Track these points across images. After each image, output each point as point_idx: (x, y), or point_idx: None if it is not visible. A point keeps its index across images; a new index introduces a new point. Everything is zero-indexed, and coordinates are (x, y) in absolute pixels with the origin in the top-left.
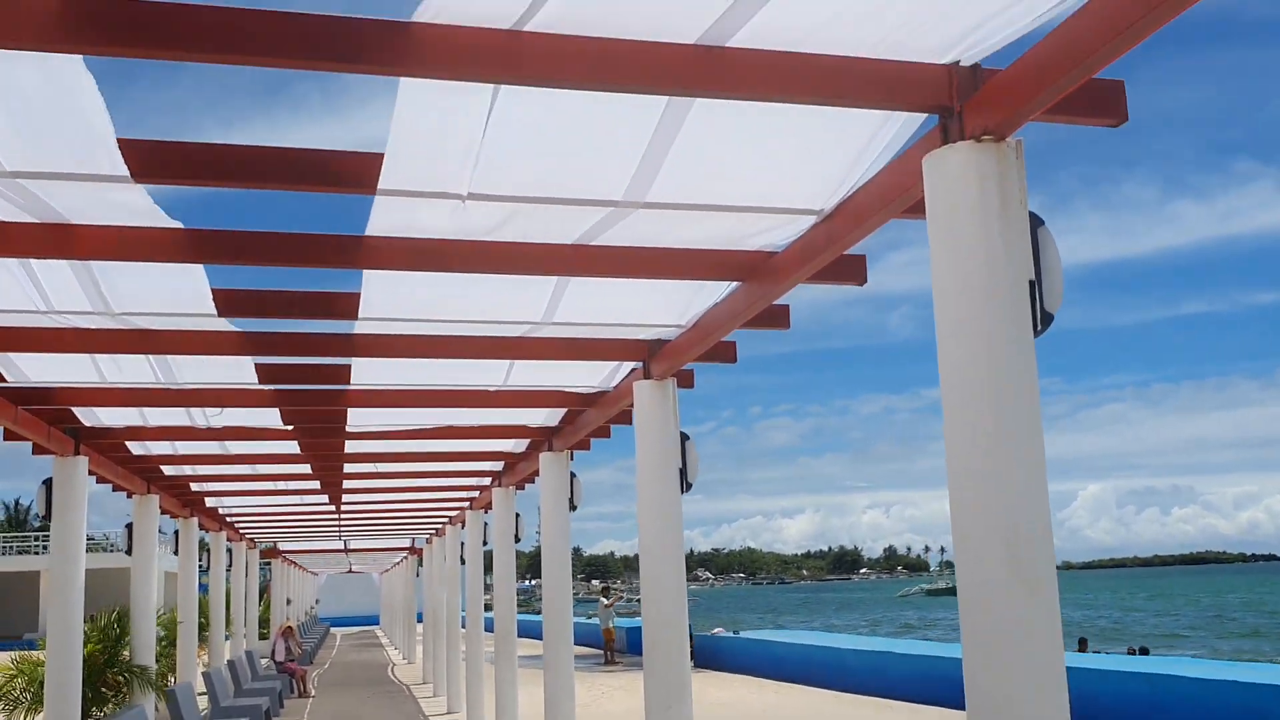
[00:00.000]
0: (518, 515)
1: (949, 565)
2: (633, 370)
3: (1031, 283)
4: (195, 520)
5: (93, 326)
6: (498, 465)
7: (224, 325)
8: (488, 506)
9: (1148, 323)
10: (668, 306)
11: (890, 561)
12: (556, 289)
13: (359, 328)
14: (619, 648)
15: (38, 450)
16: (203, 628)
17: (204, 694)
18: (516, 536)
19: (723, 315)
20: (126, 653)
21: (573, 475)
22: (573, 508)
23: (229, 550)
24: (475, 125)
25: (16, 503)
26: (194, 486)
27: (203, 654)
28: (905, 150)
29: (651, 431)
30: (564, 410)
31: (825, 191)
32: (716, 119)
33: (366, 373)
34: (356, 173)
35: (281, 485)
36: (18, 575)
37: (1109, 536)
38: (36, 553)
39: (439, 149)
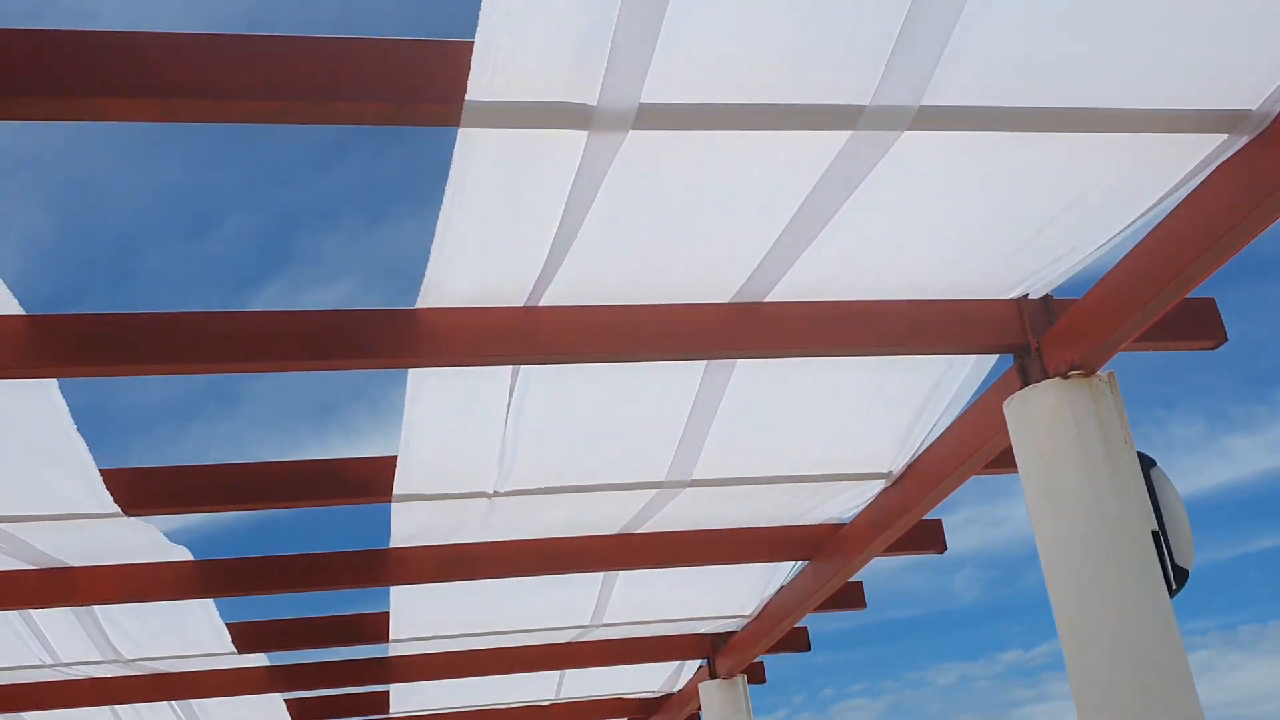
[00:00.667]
0: None
1: None
2: (698, 669)
3: (1155, 534)
4: None
5: (107, 675)
6: None
7: (247, 661)
8: None
9: (1220, 562)
10: (730, 594)
11: None
12: (604, 586)
13: (392, 650)
14: None
15: None
16: None
17: None
18: None
19: (791, 600)
20: None
21: None
22: None
23: None
24: (495, 413)
25: None
26: None
27: None
28: (980, 396)
29: None
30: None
31: (891, 452)
32: (762, 381)
33: (406, 699)
34: (370, 479)
35: None
36: None
37: None
38: None
39: (457, 444)
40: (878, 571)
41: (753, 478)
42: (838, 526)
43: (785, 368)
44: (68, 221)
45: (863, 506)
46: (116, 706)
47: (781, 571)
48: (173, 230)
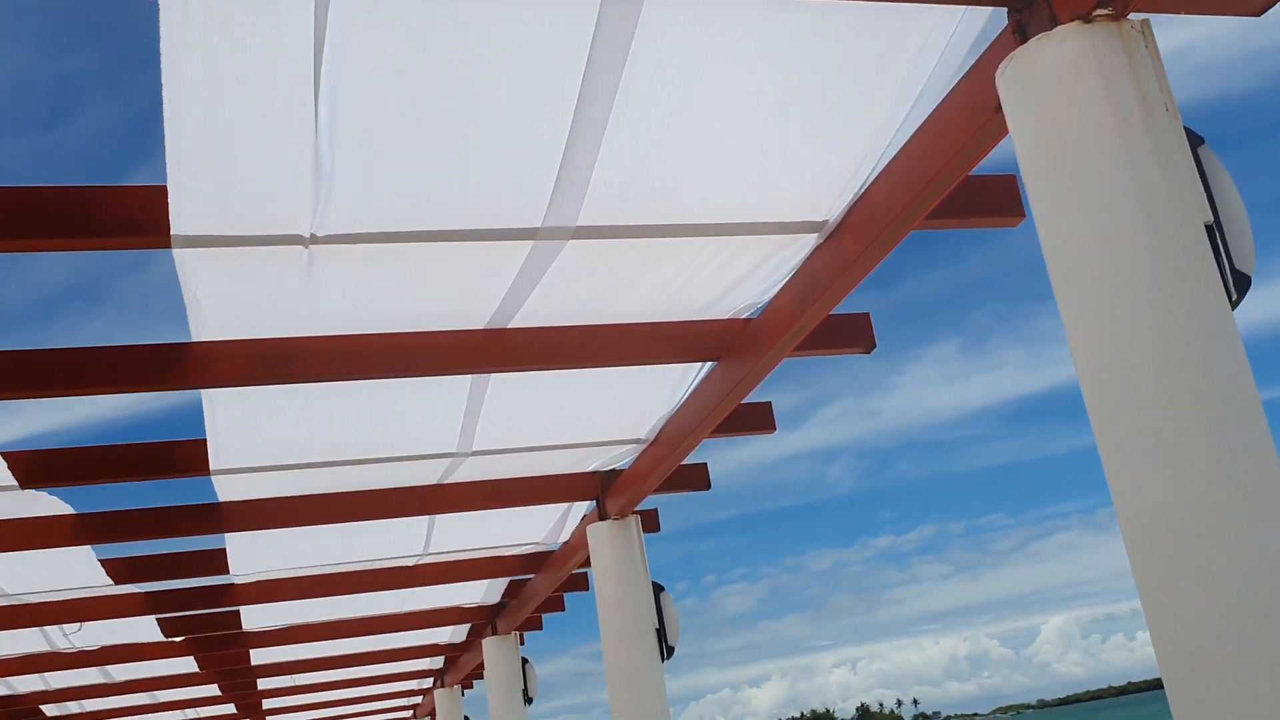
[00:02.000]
0: (466, 718)
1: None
2: (584, 516)
3: (1209, 226)
4: None
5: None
6: (437, 662)
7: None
8: (431, 714)
9: (1081, 449)
10: (621, 413)
11: (865, 719)
12: (471, 402)
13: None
14: None
15: None
16: None
17: None
18: None
19: (690, 418)
20: None
21: (525, 661)
22: (528, 700)
23: None
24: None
25: None
26: None
27: None
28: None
29: (614, 583)
30: (505, 581)
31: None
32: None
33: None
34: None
35: (193, 715)
36: None
37: (1079, 669)
38: None
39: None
40: (758, 464)
41: (657, 225)
42: (747, 322)
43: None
44: None
45: (785, 280)
46: None
47: (681, 381)
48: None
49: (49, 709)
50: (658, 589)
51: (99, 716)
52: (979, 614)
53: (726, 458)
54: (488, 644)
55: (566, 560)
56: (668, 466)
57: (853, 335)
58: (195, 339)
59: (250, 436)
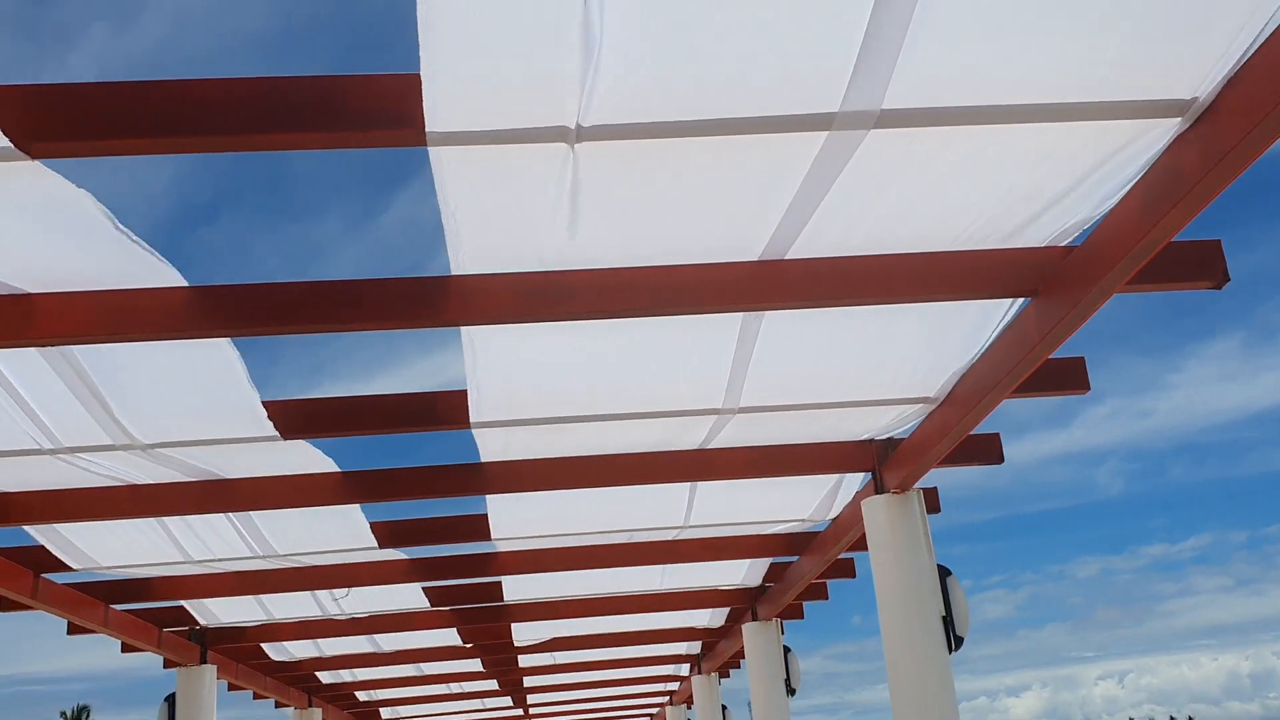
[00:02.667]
0: (724, 708)
1: None
2: (856, 493)
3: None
4: None
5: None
6: (694, 647)
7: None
8: (688, 701)
9: None
10: (909, 366)
11: None
12: (741, 344)
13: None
14: None
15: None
16: None
17: None
18: None
19: (987, 376)
20: None
21: (787, 650)
22: (791, 691)
23: None
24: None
25: None
26: (362, 695)
27: None
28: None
29: (894, 565)
30: (767, 563)
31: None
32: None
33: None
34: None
35: (457, 690)
36: None
37: None
38: None
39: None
40: (1018, 466)
41: (970, 108)
42: (1070, 249)
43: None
44: None
45: (1129, 184)
46: (264, 596)
47: (981, 325)
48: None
49: (323, 675)
50: (944, 572)
51: (367, 685)
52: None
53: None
54: (748, 630)
55: (835, 540)
56: (959, 432)
57: (1201, 265)
58: (454, 271)
59: (511, 385)
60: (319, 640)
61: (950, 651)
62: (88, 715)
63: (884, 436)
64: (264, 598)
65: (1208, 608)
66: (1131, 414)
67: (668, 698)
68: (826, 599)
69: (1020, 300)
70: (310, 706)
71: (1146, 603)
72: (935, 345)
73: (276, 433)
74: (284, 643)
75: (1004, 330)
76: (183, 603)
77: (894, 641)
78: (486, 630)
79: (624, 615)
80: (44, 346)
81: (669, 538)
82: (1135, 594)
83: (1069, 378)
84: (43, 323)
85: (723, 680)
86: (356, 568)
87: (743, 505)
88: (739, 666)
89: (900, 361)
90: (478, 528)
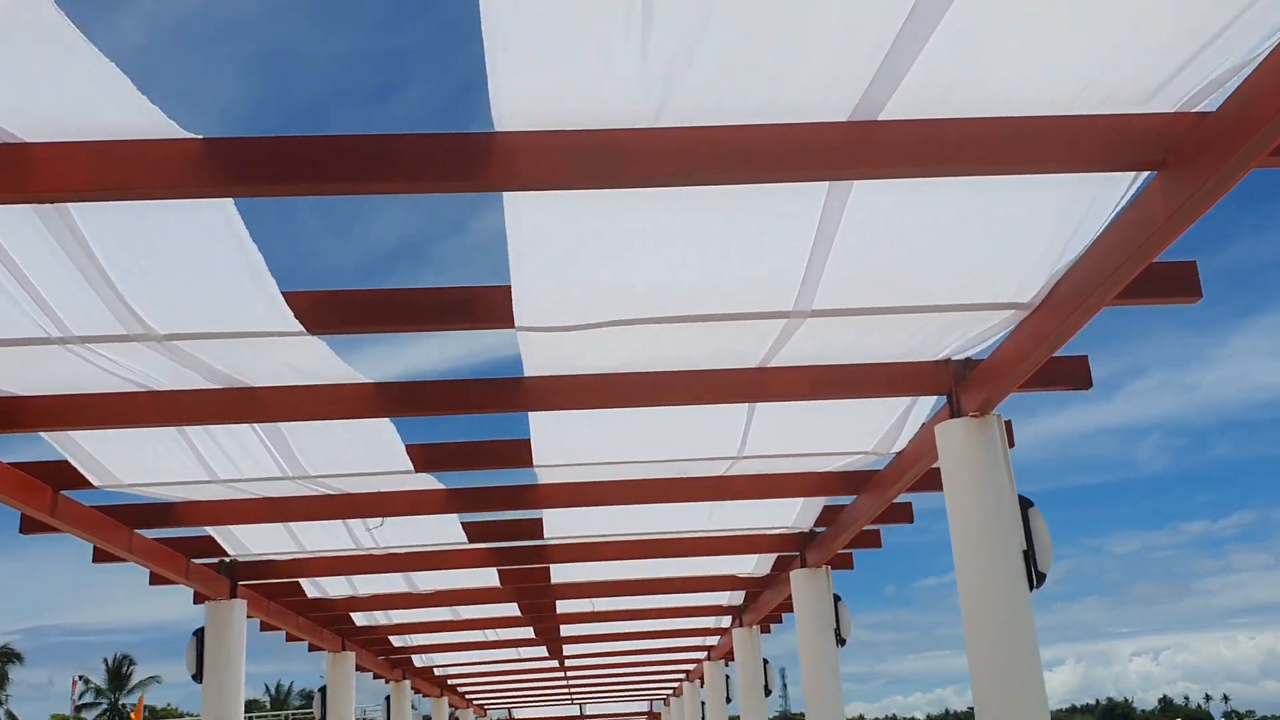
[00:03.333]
0: (766, 662)
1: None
2: (922, 425)
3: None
4: (407, 683)
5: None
6: (737, 597)
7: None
8: (727, 655)
9: None
10: (1003, 256)
11: (1167, 712)
12: (824, 225)
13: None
14: None
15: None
16: None
17: None
18: (767, 688)
19: (1090, 276)
20: None
21: (837, 599)
22: (841, 641)
23: (455, 718)
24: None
25: (278, 685)
26: (396, 640)
27: None
28: None
29: (972, 494)
30: (819, 506)
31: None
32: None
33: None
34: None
35: (493, 637)
36: None
37: None
38: None
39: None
40: (1058, 438)
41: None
42: (1204, 116)
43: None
44: (263, 89)
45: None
46: (296, 525)
47: (1090, 211)
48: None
49: (358, 617)
50: (1025, 503)
51: (402, 629)
52: None
53: (1023, 430)
54: (796, 577)
55: (896, 478)
56: (1051, 345)
57: (1178, 282)
58: (498, 127)
59: (556, 274)
60: (353, 577)
61: (1032, 588)
62: (129, 664)
63: (961, 356)
64: (296, 530)
65: (1248, 586)
66: (1176, 388)
67: (705, 653)
68: (879, 547)
69: (1141, 177)
70: (344, 650)
71: (1185, 580)
72: (1036, 233)
73: (301, 327)
74: (317, 579)
75: (1119, 215)
76: (211, 531)
77: (971, 578)
78: (525, 573)
79: (667, 559)
80: (40, 203)
81: (720, 471)
82: (1174, 570)
83: (1179, 281)
84: (39, 175)
85: (763, 636)
86: (391, 496)
87: (802, 434)
88: (780, 621)
89: (993, 257)
90: (519, 453)
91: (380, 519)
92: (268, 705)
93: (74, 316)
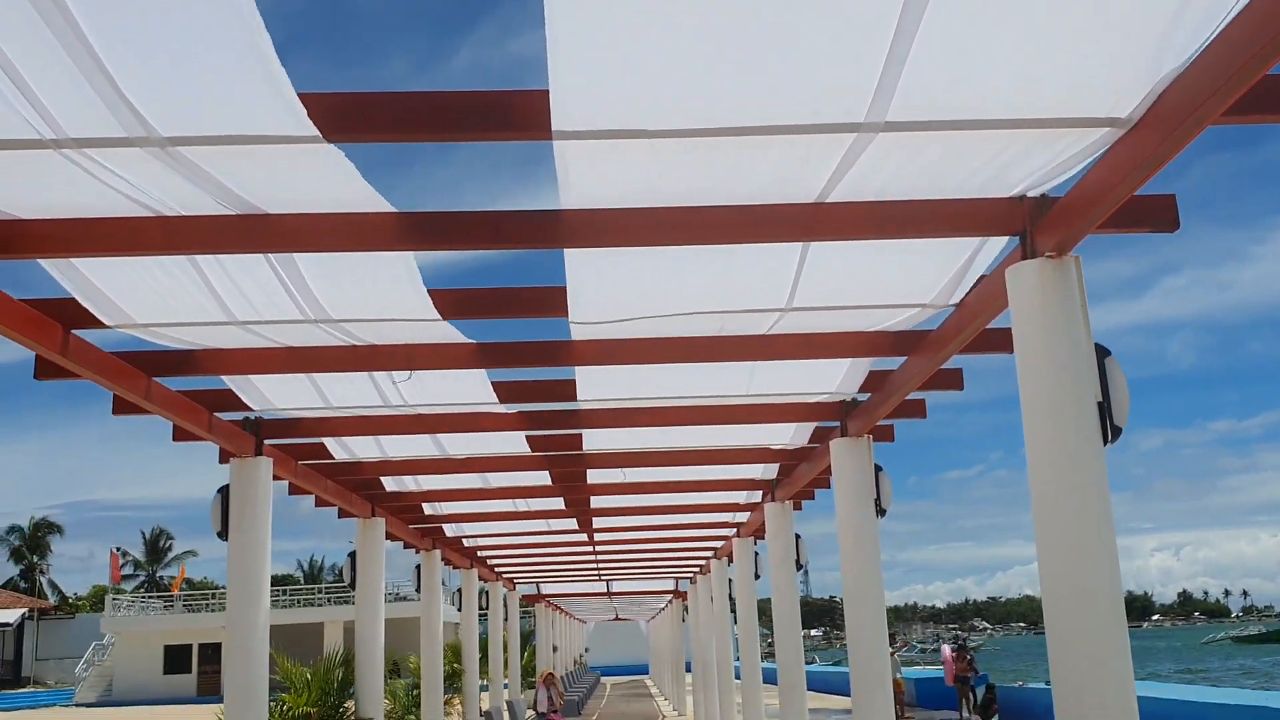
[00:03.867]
0: (798, 537)
1: (1254, 609)
2: (980, 279)
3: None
4: (438, 553)
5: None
6: (771, 471)
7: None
8: (757, 531)
9: None
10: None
11: (1185, 607)
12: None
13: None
14: (908, 700)
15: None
16: (453, 676)
17: None
18: (799, 563)
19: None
20: (351, 705)
21: (878, 469)
22: (881, 512)
23: (484, 591)
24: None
25: (311, 559)
26: (427, 508)
27: (454, 705)
28: None
29: (1045, 339)
30: (865, 371)
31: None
32: None
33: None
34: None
35: (523, 507)
36: (307, 626)
37: None
38: (320, 605)
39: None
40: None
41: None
42: None
43: None
44: None
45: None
46: (319, 376)
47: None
48: None
49: (387, 482)
50: (1102, 352)
51: (432, 496)
52: None
53: None
54: (837, 446)
55: (958, 329)
56: (1147, 169)
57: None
58: None
59: (597, 78)
60: (381, 439)
61: (1106, 443)
62: (167, 538)
63: (1036, 193)
64: (322, 384)
65: (1271, 484)
66: (1210, 285)
67: (735, 529)
68: (923, 417)
69: None
70: (374, 516)
71: (1209, 477)
72: (1135, 41)
73: (317, 132)
74: (345, 439)
75: (1237, 15)
76: (230, 382)
77: (1040, 431)
78: (556, 440)
79: (703, 426)
80: None
81: (766, 327)
82: (1199, 468)
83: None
84: None
85: (795, 512)
86: (418, 349)
87: (855, 285)
88: (813, 498)
89: (1089, 65)
90: (552, 300)
91: (408, 371)
92: (301, 580)
93: (69, 116)
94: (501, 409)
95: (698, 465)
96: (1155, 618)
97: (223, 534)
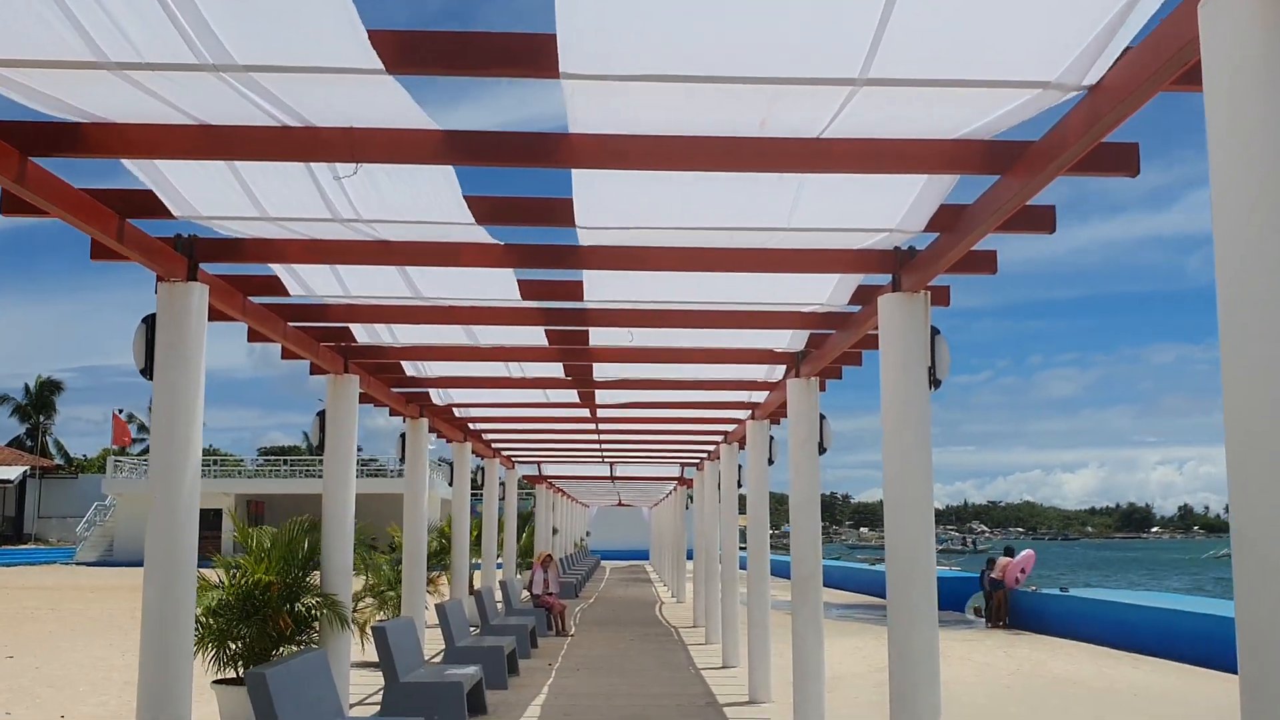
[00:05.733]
0: (823, 418)
1: None
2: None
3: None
4: (424, 421)
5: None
6: (799, 340)
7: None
8: (774, 415)
9: None
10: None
11: (1185, 521)
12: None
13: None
14: None
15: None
16: (441, 553)
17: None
18: (822, 446)
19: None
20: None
21: (935, 332)
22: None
23: (480, 469)
24: None
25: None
26: (409, 369)
27: (439, 584)
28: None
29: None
30: (936, 202)
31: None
32: None
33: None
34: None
35: (517, 373)
36: (308, 498)
37: None
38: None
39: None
40: (1107, 245)
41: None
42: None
43: None
44: None
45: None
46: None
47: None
48: None
49: (359, 332)
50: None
51: (413, 354)
52: None
53: (1073, 233)
54: (887, 303)
55: (1089, 123)
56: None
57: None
58: None
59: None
60: (342, 273)
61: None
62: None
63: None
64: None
65: None
66: None
67: (750, 411)
68: (993, 272)
69: None
70: (346, 372)
71: (1217, 394)
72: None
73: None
74: (296, 267)
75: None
76: (138, 171)
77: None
78: (553, 287)
79: (727, 275)
80: None
81: (817, 130)
82: (1207, 385)
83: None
84: None
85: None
86: (372, 135)
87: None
88: (839, 376)
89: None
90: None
91: (354, 165)
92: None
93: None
94: (482, 235)
95: (716, 328)
96: (1155, 530)
97: (146, 372)
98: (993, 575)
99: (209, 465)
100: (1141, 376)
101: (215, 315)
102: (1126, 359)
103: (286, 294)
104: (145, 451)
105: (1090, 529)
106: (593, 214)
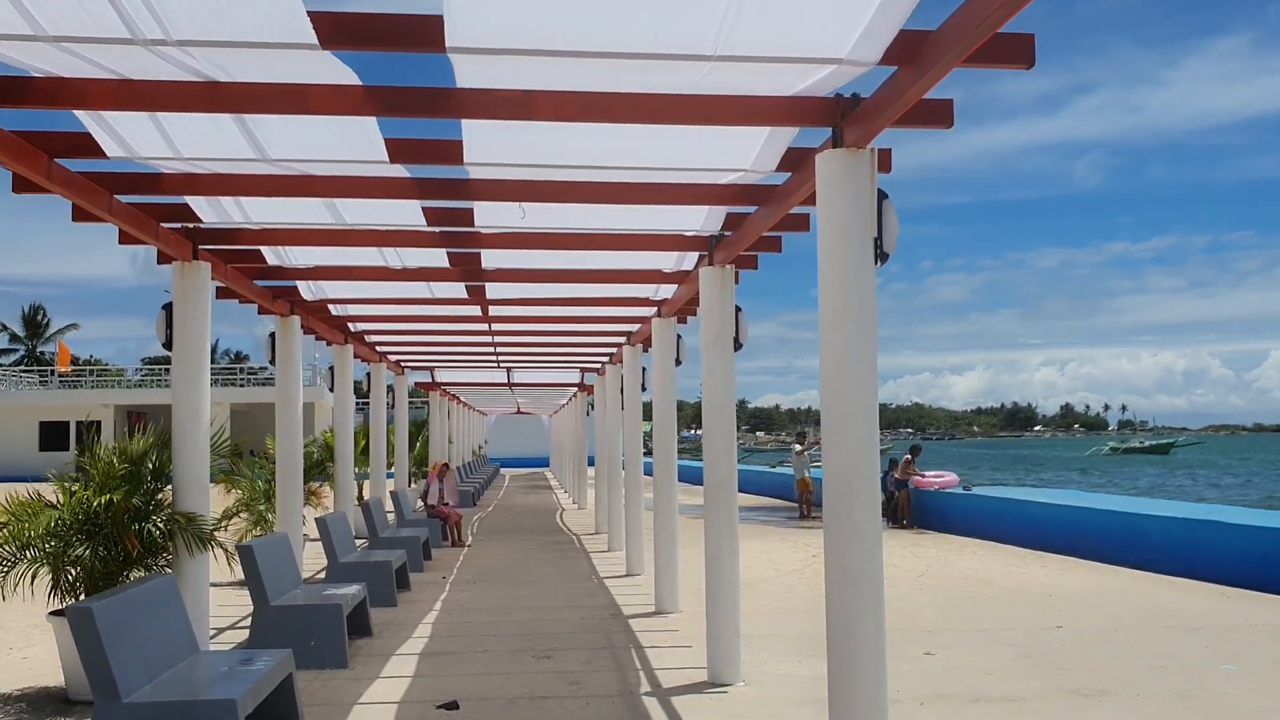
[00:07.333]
0: (739, 309)
1: (1129, 424)
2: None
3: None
4: (295, 319)
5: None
6: (715, 219)
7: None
8: (645, 342)
9: None
10: None
11: (1066, 419)
12: None
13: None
14: (816, 500)
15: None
16: (322, 464)
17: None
18: (738, 342)
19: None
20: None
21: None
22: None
23: (367, 375)
24: None
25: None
26: (269, 255)
27: (323, 497)
28: None
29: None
30: (894, 29)
31: None
32: None
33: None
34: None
35: (395, 262)
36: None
37: None
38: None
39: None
40: (996, 151)
41: None
42: None
43: None
44: None
45: None
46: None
47: None
48: None
49: (200, 206)
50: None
51: (270, 238)
52: (1204, 332)
53: (962, 139)
54: (826, 160)
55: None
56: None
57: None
58: None
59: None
60: (243, 200)
61: None
62: (43, 314)
63: None
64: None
65: (1157, 307)
66: (1122, 108)
67: (655, 309)
68: (949, 126)
69: None
70: (195, 260)
71: (1099, 298)
72: None
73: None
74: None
75: None
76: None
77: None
78: (427, 147)
79: (634, 129)
80: None
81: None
82: (1089, 288)
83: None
84: None
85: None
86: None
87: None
88: (755, 266)
89: None
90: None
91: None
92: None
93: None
94: (337, 69)
95: (622, 203)
96: (1037, 428)
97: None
98: (896, 475)
99: (83, 375)
100: (1027, 280)
101: (21, 186)
102: (1012, 263)
103: (104, 155)
104: (19, 362)
105: (976, 429)
106: (467, 31)
